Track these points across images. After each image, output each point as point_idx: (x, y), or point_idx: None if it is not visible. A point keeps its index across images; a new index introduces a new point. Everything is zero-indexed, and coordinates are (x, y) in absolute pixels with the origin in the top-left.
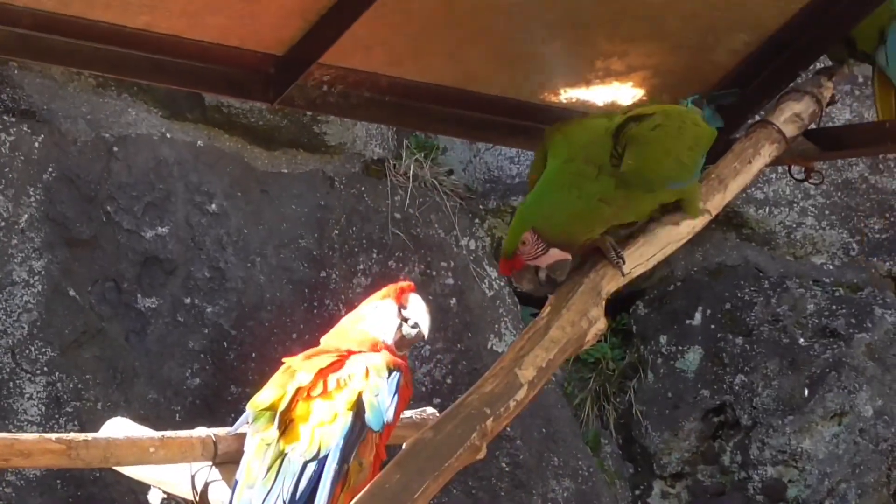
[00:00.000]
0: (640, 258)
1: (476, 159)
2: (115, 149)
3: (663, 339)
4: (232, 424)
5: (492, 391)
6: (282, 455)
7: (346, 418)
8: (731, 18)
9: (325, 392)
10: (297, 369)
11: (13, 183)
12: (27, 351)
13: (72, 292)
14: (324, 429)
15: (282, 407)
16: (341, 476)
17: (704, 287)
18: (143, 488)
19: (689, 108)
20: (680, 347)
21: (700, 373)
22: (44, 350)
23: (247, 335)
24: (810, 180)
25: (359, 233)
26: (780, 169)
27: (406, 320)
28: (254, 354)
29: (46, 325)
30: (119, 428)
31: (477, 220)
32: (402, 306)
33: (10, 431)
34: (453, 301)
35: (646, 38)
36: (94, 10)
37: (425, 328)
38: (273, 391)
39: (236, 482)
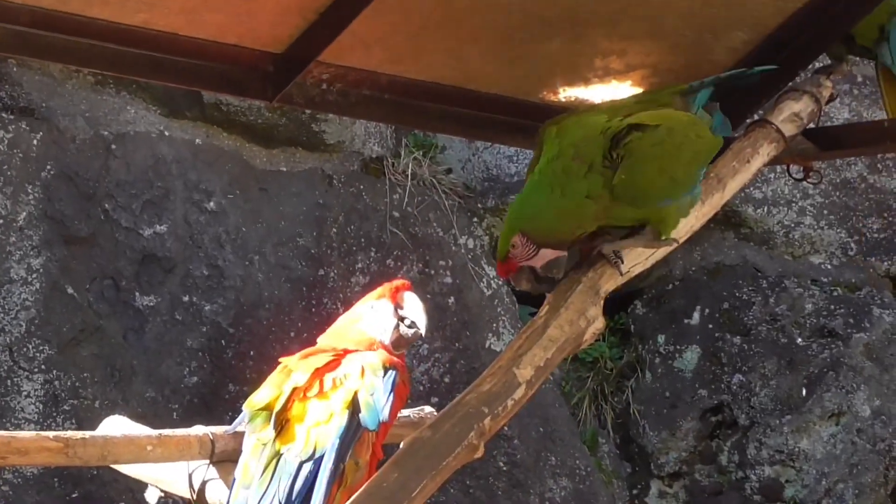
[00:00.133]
0: (639, 257)
1: (475, 158)
2: (114, 146)
3: (661, 338)
4: (229, 423)
5: (490, 390)
6: (277, 455)
7: (342, 418)
8: (729, 17)
9: (321, 392)
10: (293, 369)
11: (11, 180)
12: (25, 349)
13: (70, 290)
14: (319, 429)
15: (278, 407)
16: (337, 476)
17: (702, 286)
18: (141, 486)
19: (698, 112)
20: (678, 347)
21: (698, 372)
22: (41, 348)
23: (245, 333)
24: (809, 180)
25: (357, 231)
26: (778, 168)
27: (403, 319)
28: (252, 353)
29: (44, 322)
30: (117, 426)
31: (475, 219)
32: (398, 305)
33: (7, 429)
34: (451, 300)
35: (644, 36)
36: (93, 7)
37: (422, 327)
38: (269, 391)
39: (234, 481)
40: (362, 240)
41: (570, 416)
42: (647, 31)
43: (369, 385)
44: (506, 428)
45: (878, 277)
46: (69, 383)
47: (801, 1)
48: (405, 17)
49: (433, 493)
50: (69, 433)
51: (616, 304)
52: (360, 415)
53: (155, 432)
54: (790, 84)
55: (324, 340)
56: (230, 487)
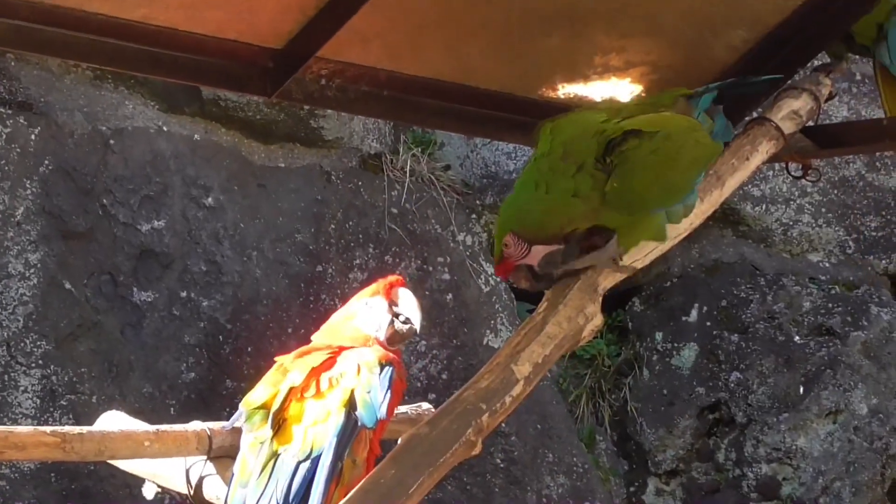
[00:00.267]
0: (637, 254)
1: (473, 154)
2: (112, 142)
3: (659, 335)
4: (227, 418)
5: (488, 387)
6: (275, 455)
7: (339, 417)
8: (729, 15)
9: (318, 392)
10: (289, 368)
11: (9, 175)
12: (22, 344)
13: (67, 285)
14: (316, 428)
15: (275, 406)
16: (335, 475)
17: (700, 284)
18: (138, 482)
19: (699, 117)
20: (676, 344)
21: (695, 370)
22: (39, 343)
23: (242, 329)
24: (808, 177)
25: (355, 227)
26: (777, 166)
27: (397, 316)
28: (249, 349)
29: (42, 317)
30: (114, 421)
31: (474, 216)
32: (392, 302)
33: (4, 424)
34: (449, 296)
35: (643, 33)
36: (92, 2)
37: (417, 323)
38: (266, 389)
39: (232, 476)
40: (360, 236)
41: (568, 413)
42: (647, 28)
43: (366, 382)
44: (503, 425)
45: (875, 276)
46: (66, 378)
47: None
48: (404, 14)
49: (430, 490)
50: (66, 428)
51: (614, 301)
52: (358, 413)
53: (152, 428)
54: (789, 82)
55: (318, 338)
56: (228, 483)
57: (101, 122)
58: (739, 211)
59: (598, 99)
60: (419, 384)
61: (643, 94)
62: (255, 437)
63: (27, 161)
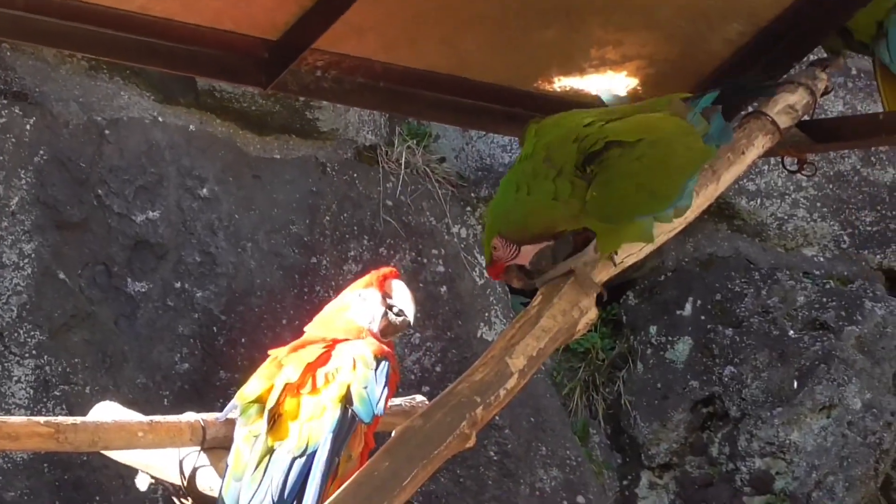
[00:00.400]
0: (632, 248)
1: (468, 147)
2: (107, 132)
3: (653, 329)
4: (221, 410)
5: (482, 380)
6: (270, 451)
7: (335, 412)
8: (725, 8)
9: (314, 388)
10: (284, 363)
11: (4, 165)
12: (16, 334)
13: (62, 275)
14: (312, 423)
15: (271, 402)
16: (331, 471)
17: (695, 278)
18: (131, 473)
19: (694, 118)
20: (670, 338)
21: (689, 364)
22: (33, 333)
23: (237, 320)
24: (803, 172)
25: (350, 219)
26: (772, 160)
27: (391, 308)
28: (243, 340)
29: (36, 308)
30: (108, 412)
31: (468, 208)
32: (386, 294)
33: None
34: (444, 289)
35: (639, 27)
36: None
37: (410, 315)
38: (260, 383)
39: (226, 468)
40: (355, 228)
41: (562, 406)
42: (643, 21)
43: (362, 377)
44: (497, 418)
45: (870, 270)
46: (60, 369)
47: None
48: (400, 5)
49: (424, 483)
50: (60, 418)
51: (609, 295)
52: (354, 408)
53: (146, 418)
54: (785, 76)
55: (311, 329)
56: (221, 475)
57: (97, 113)
58: (734, 205)
59: (594, 92)
60: (413, 376)
61: (639, 90)
62: (249, 431)
63: (22, 151)
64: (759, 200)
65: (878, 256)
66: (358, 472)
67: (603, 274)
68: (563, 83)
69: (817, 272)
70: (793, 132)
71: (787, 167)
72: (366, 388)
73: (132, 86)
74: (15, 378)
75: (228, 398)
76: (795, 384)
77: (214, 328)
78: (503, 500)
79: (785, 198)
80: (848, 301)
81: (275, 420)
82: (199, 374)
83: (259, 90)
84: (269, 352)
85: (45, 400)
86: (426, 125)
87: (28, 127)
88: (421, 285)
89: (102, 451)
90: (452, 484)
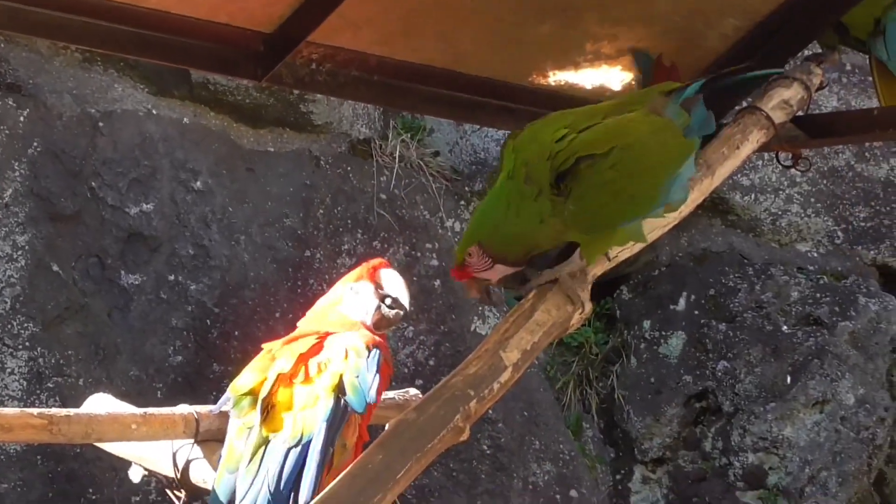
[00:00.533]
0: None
1: (462, 141)
2: (101, 124)
3: (647, 324)
4: (214, 402)
5: (476, 373)
6: (265, 442)
7: (328, 402)
8: (720, 3)
9: (306, 378)
10: (276, 355)
11: None
12: (9, 326)
13: (55, 267)
14: (306, 413)
15: (263, 393)
16: (327, 460)
17: (689, 273)
18: (124, 465)
19: (674, 111)
20: (663, 333)
21: (683, 358)
22: (26, 325)
23: (230, 313)
24: (797, 167)
25: (344, 213)
26: (766, 156)
27: (384, 299)
28: (236, 333)
29: (29, 300)
30: (101, 404)
31: (462, 202)
32: (378, 285)
33: None
34: (437, 283)
35: (635, 21)
36: None
37: (405, 302)
38: (253, 375)
39: (220, 459)
40: (349, 221)
41: (555, 400)
42: (638, 16)
43: (354, 367)
44: (490, 412)
45: (864, 266)
46: (53, 361)
47: None
48: None
49: (418, 476)
50: (53, 410)
51: (602, 290)
52: (347, 397)
53: (140, 411)
54: (780, 71)
55: (304, 324)
56: (215, 468)
57: (90, 105)
58: (728, 200)
59: (589, 87)
60: (407, 370)
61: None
62: (242, 423)
63: (15, 143)
64: (753, 196)
65: (871, 252)
66: (352, 464)
67: (598, 268)
68: (558, 77)
69: (811, 267)
70: (787, 127)
71: (782, 162)
72: (358, 377)
73: (126, 78)
74: (8, 370)
75: (222, 391)
76: (789, 379)
77: (208, 321)
78: (496, 494)
79: (779, 193)
80: (841, 296)
81: (268, 411)
82: (193, 367)
83: (254, 83)
84: (263, 345)
85: (38, 392)
86: (420, 119)
87: (21, 119)
88: (415, 279)
89: (96, 444)
90: (445, 477)
